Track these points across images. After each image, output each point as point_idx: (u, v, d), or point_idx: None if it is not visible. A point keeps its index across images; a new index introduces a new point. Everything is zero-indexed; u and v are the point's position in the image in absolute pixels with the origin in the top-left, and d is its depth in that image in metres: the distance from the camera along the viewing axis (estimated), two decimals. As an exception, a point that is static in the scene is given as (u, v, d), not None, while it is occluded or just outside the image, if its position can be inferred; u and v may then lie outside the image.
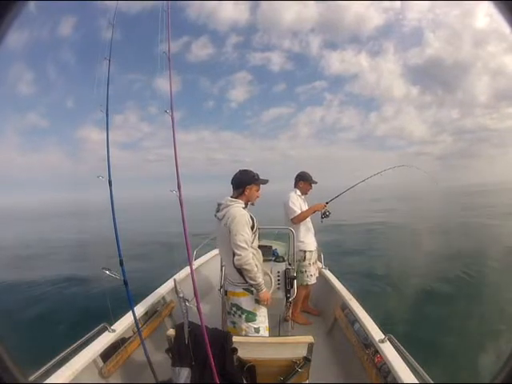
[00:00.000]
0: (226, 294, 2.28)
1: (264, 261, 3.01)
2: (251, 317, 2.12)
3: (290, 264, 3.07)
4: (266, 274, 2.81)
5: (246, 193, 2.16)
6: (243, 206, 2.15)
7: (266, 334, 2.18)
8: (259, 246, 3.22)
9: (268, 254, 3.13)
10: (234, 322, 2.21)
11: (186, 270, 3.29)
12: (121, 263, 2.04)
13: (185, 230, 1.72)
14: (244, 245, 2.00)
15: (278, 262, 3.00)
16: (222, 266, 2.68)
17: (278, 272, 2.88)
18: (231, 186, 2.22)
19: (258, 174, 2.23)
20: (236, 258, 2.01)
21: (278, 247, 3.33)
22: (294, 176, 3.43)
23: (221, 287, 2.51)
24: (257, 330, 2.11)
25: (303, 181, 3.37)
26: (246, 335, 2.11)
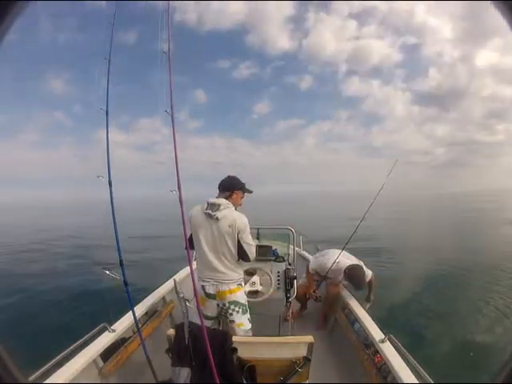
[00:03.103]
0: (214, 298, 2.18)
1: (264, 261, 3.03)
2: (245, 309, 2.26)
3: (290, 264, 3.07)
4: (265, 273, 2.81)
5: (233, 196, 2.24)
6: (234, 208, 2.25)
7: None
8: (260, 246, 3.24)
9: (268, 254, 3.13)
10: (231, 321, 2.21)
11: (186, 270, 3.29)
12: (121, 263, 2.04)
13: (185, 229, 1.73)
14: (253, 242, 2.25)
15: (278, 262, 3.00)
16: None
17: (278, 272, 2.88)
18: (218, 188, 2.28)
19: (245, 184, 2.33)
20: (252, 255, 2.23)
21: (278, 247, 3.33)
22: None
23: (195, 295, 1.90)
24: (249, 321, 2.27)
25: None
26: (243, 329, 2.17)
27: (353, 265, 3.06)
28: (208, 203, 2.19)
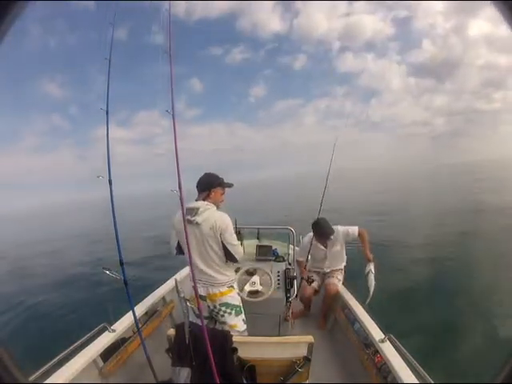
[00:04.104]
0: (204, 299, 2.15)
1: (264, 261, 3.03)
2: (239, 310, 2.22)
3: (290, 264, 3.08)
4: (265, 273, 2.82)
5: (212, 195, 2.17)
6: (215, 208, 2.17)
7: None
8: (260, 246, 3.25)
9: (268, 254, 3.14)
10: (223, 323, 2.20)
11: (187, 270, 3.30)
12: (121, 263, 2.04)
13: (185, 229, 1.73)
14: (237, 242, 2.17)
15: (278, 261, 3.01)
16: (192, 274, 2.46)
17: (278, 272, 2.89)
18: (196, 188, 2.21)
19: (223, 178, 2.24)
20: (238, 255, 2.16)
21: (278, 247, 3.34)
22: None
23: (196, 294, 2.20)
24: (244, 322, 2.24)
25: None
26: (237, 331, 2.14)
27: (314, 219, 3.21)
28: (187, 209, 2.06)
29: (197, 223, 2.06)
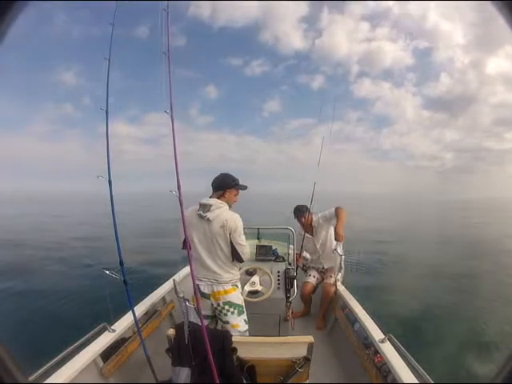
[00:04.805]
0: (208, 297, 2.17)
1: (264, 261, 3.03)
2: (241, 310, 2.23)
3: (290, 264, 3.08)
4: (265, 273, 2.82)
5: (226, 195, 2.19)
6: (228, 208, 2.20)
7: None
8: (260, 246, 3.25)
9: (268, 253, 3.14)
10: (226, 322, 2.21)
11: (186, 270, 3.30)
12: (121, 263, 2.03)
13: (185, 229, 1.73)
14: (245, 243, 2.20)
15: (278, 261, 3.01)
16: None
17: (278, 272, 2.89)
18: (211, 186, 2.23)
19: (238, 180, 2.26)
20: (244, 255, 2.19)
21: (278, 247, 3.34)
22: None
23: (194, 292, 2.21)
24: (246, 322, 2.24)
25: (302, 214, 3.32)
26: (239, 331, 2.15)
27: None
28: (200, 204, 2.15)
29: (208, 219, 2.10)
